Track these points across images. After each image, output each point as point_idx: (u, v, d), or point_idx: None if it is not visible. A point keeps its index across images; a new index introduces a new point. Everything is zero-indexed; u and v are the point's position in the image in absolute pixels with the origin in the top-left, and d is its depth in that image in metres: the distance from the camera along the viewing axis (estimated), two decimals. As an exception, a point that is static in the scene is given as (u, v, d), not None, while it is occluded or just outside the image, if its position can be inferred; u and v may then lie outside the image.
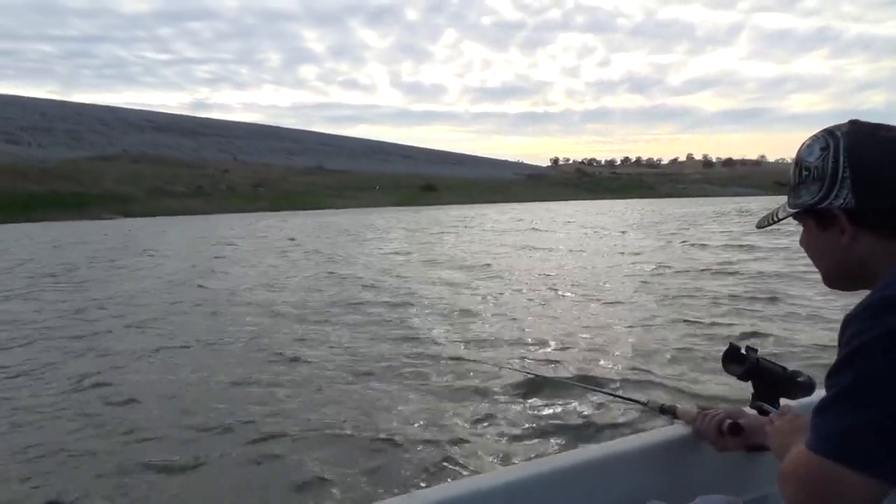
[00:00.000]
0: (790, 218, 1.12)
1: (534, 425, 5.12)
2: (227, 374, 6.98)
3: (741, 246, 19.76)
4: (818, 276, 1.12)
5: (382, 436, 5.02)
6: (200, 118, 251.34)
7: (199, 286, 14.67)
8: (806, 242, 1.13)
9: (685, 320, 8.86)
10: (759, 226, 1.25)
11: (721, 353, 1.63)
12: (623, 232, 29.77)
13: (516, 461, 4.35)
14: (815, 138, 1.09)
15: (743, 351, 1.61)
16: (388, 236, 34.00)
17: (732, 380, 1.64)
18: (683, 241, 22.68)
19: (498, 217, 56.99)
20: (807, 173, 1.07)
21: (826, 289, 1.13)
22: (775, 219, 1.18)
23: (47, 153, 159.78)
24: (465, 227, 41.46)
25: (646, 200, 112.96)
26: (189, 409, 5.88)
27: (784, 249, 16.75)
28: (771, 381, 1.58)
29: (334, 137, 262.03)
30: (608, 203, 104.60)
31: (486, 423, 5.22)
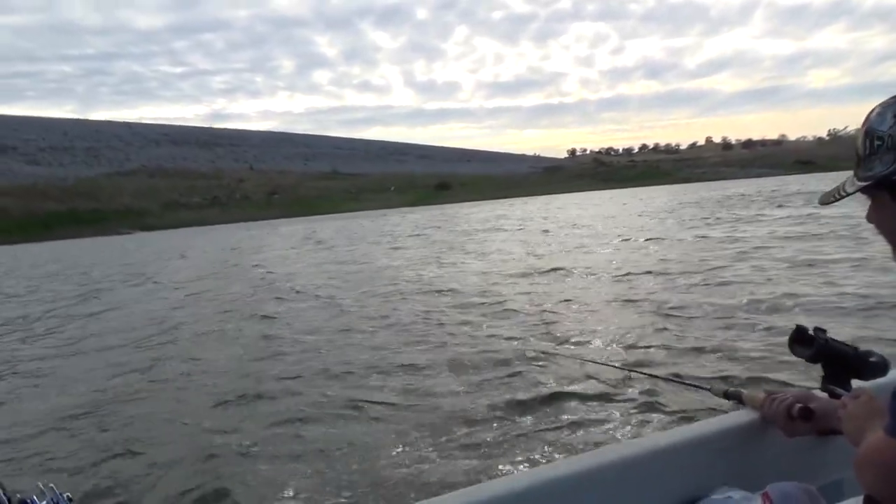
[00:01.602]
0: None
1: (597, 414, 5.12)
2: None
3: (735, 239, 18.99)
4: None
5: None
6: (215, 129, 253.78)
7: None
8: (876, 217, 1.08)
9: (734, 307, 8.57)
10: (823, 201, 1.19)
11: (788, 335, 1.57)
12: (622, 238, 28.73)
13: (583, 451, 4.10)
14: (885, 105, 1.02)
15: (811, 332, 1.55)
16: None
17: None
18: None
19: (486, 215, 56.32)
20: (879, 143, 1.01)
21: None
22: (842, 193, 1.11)
23: (67, 171, 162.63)
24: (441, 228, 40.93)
25: (663, 187, 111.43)
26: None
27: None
28: (842, 362, 1.52)
29: (349, 141, 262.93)
30: (620, 192, 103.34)
31: (548, 413, 5.24)
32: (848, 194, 1.10)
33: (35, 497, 1.19)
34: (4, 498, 1.18)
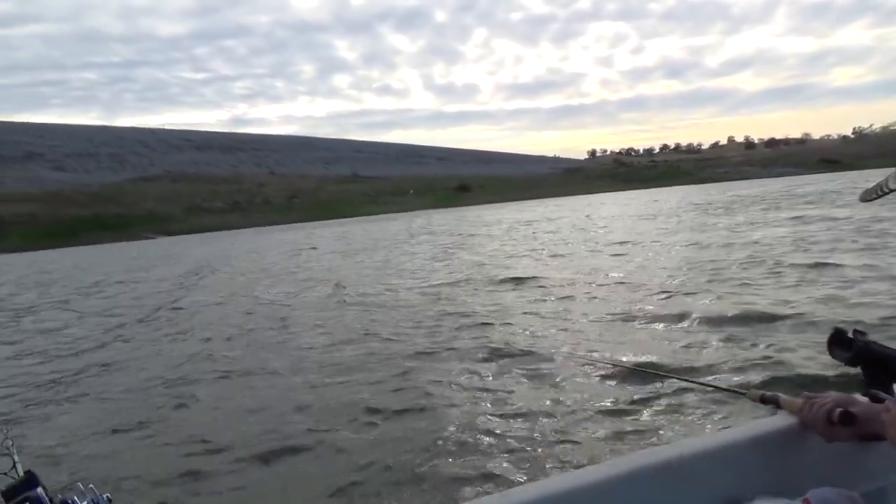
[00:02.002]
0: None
1: (631, 419, 5.12)
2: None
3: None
4: None
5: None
6: (237, 134, 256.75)
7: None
8: None
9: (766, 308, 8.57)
10: (864, 199, 1.16)
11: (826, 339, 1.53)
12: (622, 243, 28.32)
13: (614, 456, 4.25)
14: None
15: (850, 335, 1.51)
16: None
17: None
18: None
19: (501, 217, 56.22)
20: None
21: None
22: (885, 189, 1.08)
23: (92, 178, 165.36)
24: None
25: (683, 188, 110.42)
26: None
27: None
28: (883, 365, 1.48)
29: (369, 144, 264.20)
30: (637, 193, 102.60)
31: (581, 417, 5.27)
32: (892, 190, 1.07)
33: (76, 497, 1.21)
34: (46, 498, 1.21)
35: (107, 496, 1.22)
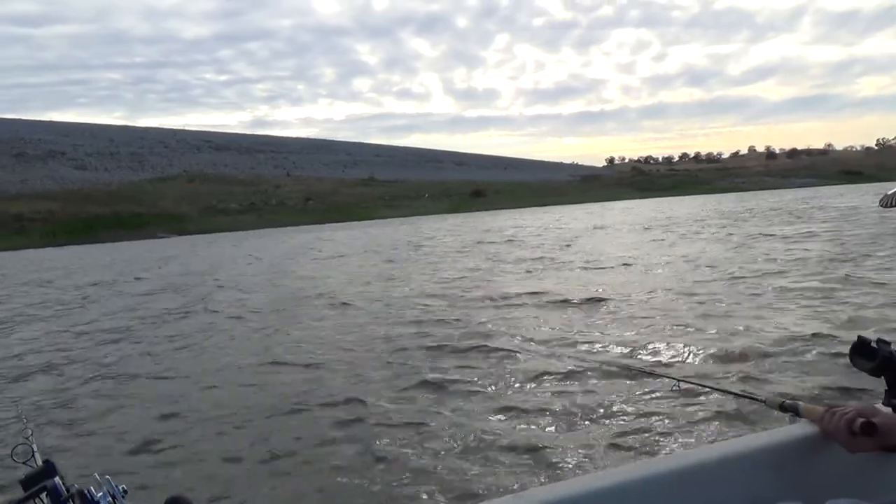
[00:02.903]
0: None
1: (646, 424, 5.08)
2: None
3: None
4: None
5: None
6: (257, 136, 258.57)
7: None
8: None
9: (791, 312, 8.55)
10: (884, 204, 1.15)
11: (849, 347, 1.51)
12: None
13: (629, 461, 4.28)
14: None
15: (874, 344, 1.48)
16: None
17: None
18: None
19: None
20: None
21: None
22: None
23: (112, 176, 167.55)
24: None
25: (701, 197, 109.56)
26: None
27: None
28: None
29: (387, 148, 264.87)
30: (652, 202, 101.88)
31: (597, 421, 5.24)
32: None
33: (92, 488, 1.22)
34: (64, 488, 1.22)
35: (122, 487, 1.23)
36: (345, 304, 12.76)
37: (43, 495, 1.20)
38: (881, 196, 1.13)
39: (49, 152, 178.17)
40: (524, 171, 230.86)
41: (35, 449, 1.34)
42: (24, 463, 1.30)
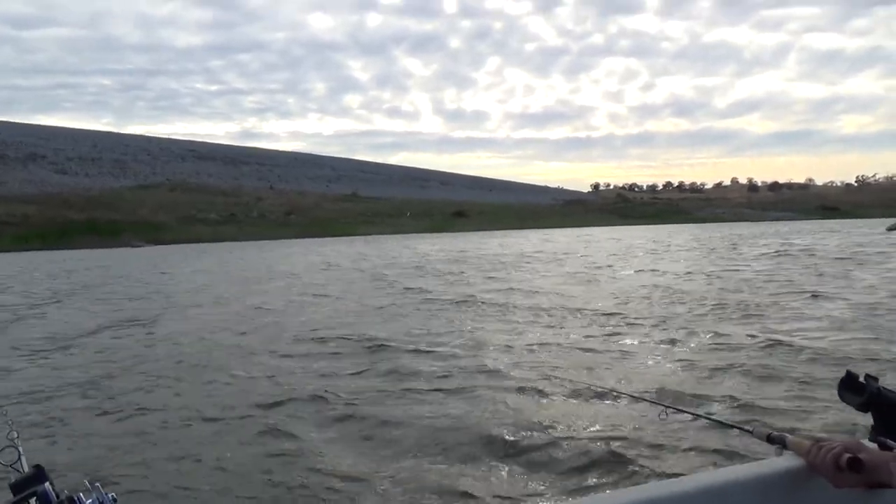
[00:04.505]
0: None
1: (626, 450, 4.95)
2: None
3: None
4: None
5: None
6: (242, 147, 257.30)
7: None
8: None
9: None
10: (892, 228, 1.14)
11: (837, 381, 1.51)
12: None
13: (608, 489, 4.20)
14: None
15: (862, 379, 1.49)
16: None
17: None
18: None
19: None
20: None
21: None
22: None
23: (92, 182, 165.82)
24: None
25: (679, 226, 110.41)
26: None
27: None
28: (894, 412, 1.45)
29: (374, 165, 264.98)
30: (631, 229, 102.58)
31: (578, 446, 5.11)
32: None
33: (82, 495, 1.20)
34: (53, 494, 1.20)
35: (112, 496, 1.21)
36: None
37: (32, 500, 1.18)
38: (891, 223, 1.11)
39: (30, 155, 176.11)
40: (510, 193, 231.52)
41: (21, 452, 1.31)
42: (10, 466, 1.27)
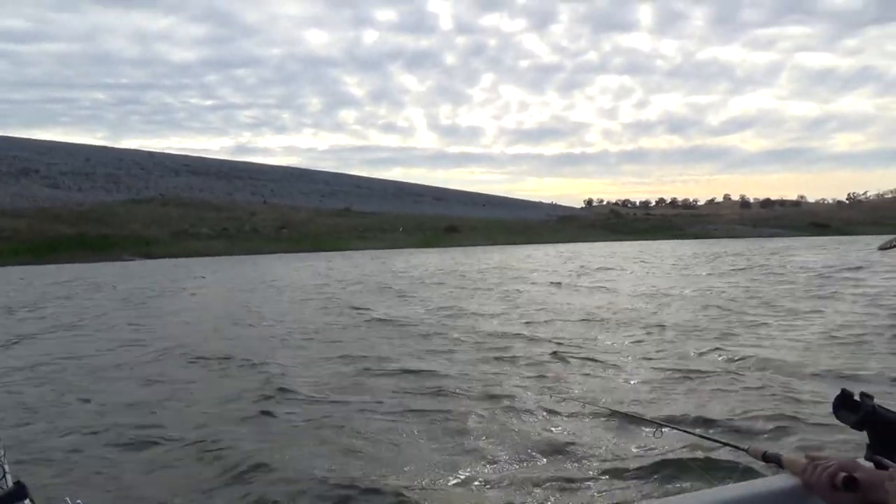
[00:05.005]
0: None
1: (620, 469, 4.91)
2: None
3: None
4: None
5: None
6: (235, 162, 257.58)
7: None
8: None
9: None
10: (883, 247, 1.20)
11: (832, 400, 1.51)
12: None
13: None
14: None
15: (857, 397, 1.48)
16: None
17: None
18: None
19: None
20: None
21: None
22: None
23: (85, 197, 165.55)
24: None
25: (671, 241, 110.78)
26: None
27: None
28: (890, 430, 1.45)
29: (368, 180, 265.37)
30: (623, 244, 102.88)
31: (567, 465, 5.06)
32: None
33: None
34: None
35: None
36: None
37: None
38: (882, 242, 1.17)
39: (23, 170, 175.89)
40: (503, 208, 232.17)
41: (7, 469, 1.28)
42: None
